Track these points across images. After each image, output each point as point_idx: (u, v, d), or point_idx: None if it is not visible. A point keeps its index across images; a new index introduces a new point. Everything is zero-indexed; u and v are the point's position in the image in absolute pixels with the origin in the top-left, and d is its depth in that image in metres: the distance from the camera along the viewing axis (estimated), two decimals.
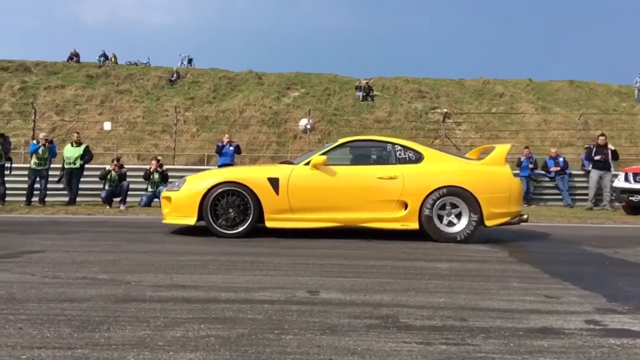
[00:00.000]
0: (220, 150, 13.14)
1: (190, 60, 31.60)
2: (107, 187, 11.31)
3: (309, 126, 16.56)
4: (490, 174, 6.27)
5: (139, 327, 2.45)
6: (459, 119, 23.01)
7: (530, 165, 13.34)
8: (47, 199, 11.30)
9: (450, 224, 6.05)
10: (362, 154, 6.74)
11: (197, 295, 3.10)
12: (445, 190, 6.05)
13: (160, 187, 11.40)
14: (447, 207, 6.05)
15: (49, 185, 11.42)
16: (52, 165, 11.69)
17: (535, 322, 2.71)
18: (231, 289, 3.30)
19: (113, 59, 30.37)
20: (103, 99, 24.72)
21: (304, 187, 6.22)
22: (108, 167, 11.81)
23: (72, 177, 11.67)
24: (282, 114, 22.94)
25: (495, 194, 6.11)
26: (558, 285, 3.65)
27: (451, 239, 5.96)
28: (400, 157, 6.40)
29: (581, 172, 13.76)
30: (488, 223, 6.04)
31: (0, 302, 2.84)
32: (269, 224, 6.19)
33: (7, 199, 10.95)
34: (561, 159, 13.59)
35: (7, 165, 11.22)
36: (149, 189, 11.90)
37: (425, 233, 6.02)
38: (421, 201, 6.05)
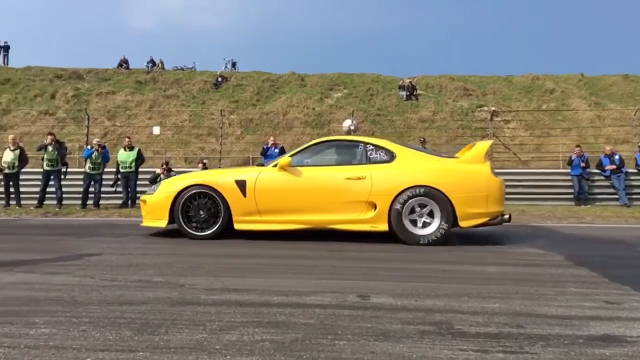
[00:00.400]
0: (265, 152, 13.31)
1: (234, 64, 32.14)
2: None
3: (352, 127, 16.46)
4: (465, 173, 5.99)
5: (196, 331, 2.51)
6: (507, 116, 22.47)
7: (582, 164, 12.89)
8: (100, 202, 11.72)
9: (423, 225, 5.82)
10: (333, 155, 6.54)
11: (250, 299, 3.14)
12: (415, 190, 5.83)
13: None
14: (418, 209, 5.83)
15: (102, 189, 11.86)
16: (105, 169, 12.12)
17: (596, 330, 2.62)
18: (282, 292, 3.33)
19: (160, 64, 31.20)
20: (151, 104, 25.43)
21: (271, 189, 6.17)
22: (158, 170, 12.15)
23: (128, 180, 12.08)
24: (325, 115, 23.01)
25: (470, 194, 5.83)
26: (618, 291, 3.51)
27: (422, 241, 5.73)
28: (371, 156, 6.22)
29: (635, 171, 13.20)
30: (463, 224, 5.80)
31: (64, 305, 2.96)
32: (237, 226, 6.21)
33: (63, 202, 11.43)
34: (617, 157, 13.07)
35: (63, 170, 11.70)
36: None
37: (395, 235, 5.81)
38: (390, 202, 5.85)
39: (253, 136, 21.23)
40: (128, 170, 12.08)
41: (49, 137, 11.98)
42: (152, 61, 31.08)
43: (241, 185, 6.23)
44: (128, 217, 9.52)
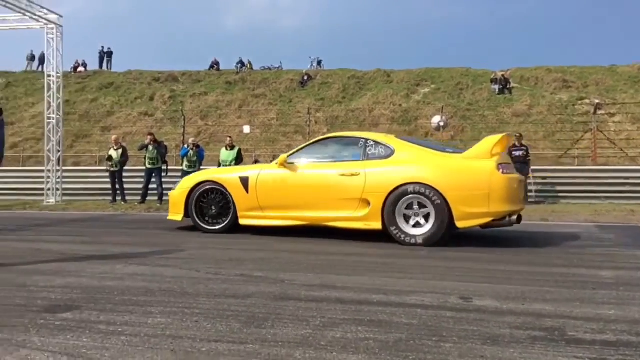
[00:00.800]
0: None
1: (319, 62, 32.45)
2: None
3: (442, 123, 16.13)
4: (465, 169, 5.54)
5: (300, 326, 2.55)
6: (612, 109, 20.96)
7: None
8: None
9: (417, 225, 5.49)
10: (334, 151, 6.36)
11: (349, 297, 3.16)
12: (408, 187, 5.50)
13: None
14: (415, 207, 5.51)
15: None
16: (201, 168, 12.71)
17: None
18: (381, 291, 3.31)
19: (249, 65, 32.19)
20: (241, 104, 26.30)
21: (271, 185, 6.24)
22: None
23: None
24: (412, 111, 22.67)
25: (468, 192, 5.38)
26: None
27: (415, 242, 5.43)
28: (369, 152, 5.97)
29: None
30: (460, 224, 5.36)
31: (175, 296, 3.13)
32: (241, 221, 6.38)
33: (163, 198, 12.13)
34: None
35: (164, 167, 12.42)
36: None
37: (388, 234, 5.56)
38: (383, 199, 5.59)
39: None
40: None
41: (149, 137, 12.75)
42: (241, 62, 32.14)
43: (244, 181, 6.39)
44: None
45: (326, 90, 26.65)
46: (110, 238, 6.16)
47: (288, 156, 6.31)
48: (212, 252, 4.94)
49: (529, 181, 13.24)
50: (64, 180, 14.52)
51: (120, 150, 13.03)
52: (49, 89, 14.49)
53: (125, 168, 13.22)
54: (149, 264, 4.30)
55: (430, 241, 5.37)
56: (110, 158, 12.92)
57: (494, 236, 6.17)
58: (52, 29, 14.31)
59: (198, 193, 6.65)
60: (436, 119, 16.75)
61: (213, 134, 23.40)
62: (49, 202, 13.65)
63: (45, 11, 14.17)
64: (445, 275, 3.91)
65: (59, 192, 14.14)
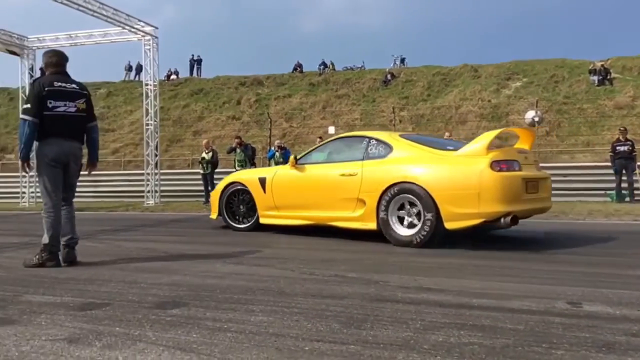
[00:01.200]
0: None
1: (402, 60, 32.09)
2: None
3: (537, 118, 15.35)
4: (455, 167, 5.25)
5: (400, 328, 2.52)
6: None
7: None
8: None
9: (410, 225, 5.33)
10: (340, 151, 6.39)
11: (448, 300, 3.08)
12: (399, 187, 5.36)
13: None
14: (407, 206, 5.34)
15: None
16: None
17: None
18: (482, 295, 3.20)
19: (331, 66, 32.45)
20: (324, 105, 26.57)
21: (283, 185, 6.49)
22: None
23: None
24: (503, 106, 21.79)
25: (457, 191, 5.09)
26: None
27: (406, 243, 5.25)
28: (370, 152, 5.90)
29: None
30: (448, 225, 5.07)
31: (274, 295, 3.20)
32: (262, 220, 6.73)
33: None
34: None
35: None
36: None
37: (382, 234, 5.43)
38: (377, 199, 5.49)
39: (425, 132, 20.98)
40: None
41: (235, 141, 13.21)
42: (323, 63, 32.48)
43: (262, 182, 6.72)
44: None
45: (410, 88, 26.30)
46: (206, 238, 6.44)
47: (299, 157, 6.53)
48: (302, 253, 5.02)
49: (635, 178, 12.31)
50: (161, 182, 15.40)
51: (210, 154, 13.61)
52: (147, 96, 15.41)
53: (217, 170, 13.78)
54: (245, 263, 4.44)
55: (420, 243, 5.19)
56: (203, 161, 13.53)
57: (590, 237, 5.78)
58: (149, 40, 15.21)
59: (228, 193, 7.12)
60: (530, 114, 15.96)
61: (298, 136, 23.84)
62: (148, 204, 14.53)
63: (142, 24, 15.10)
64: (548, 279, 3.71)
65: (157, 194, 15.01)
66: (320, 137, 13.75)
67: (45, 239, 4.23)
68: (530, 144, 6.11)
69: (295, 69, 32.58)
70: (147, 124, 15.40)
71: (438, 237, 5.19)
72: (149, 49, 15.26)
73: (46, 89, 4.23)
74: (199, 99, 29.20)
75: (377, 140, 5.96)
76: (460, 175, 5.19)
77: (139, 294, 3.23)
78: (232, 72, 32.91)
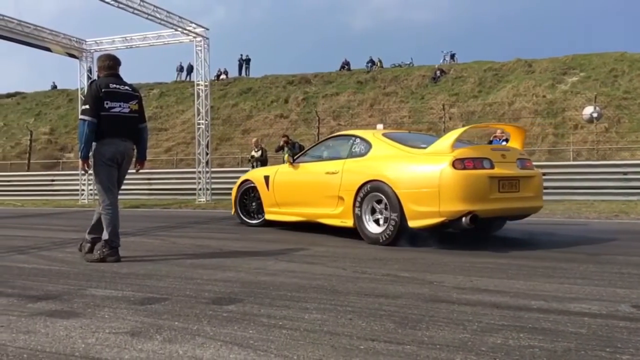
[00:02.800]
0: (490, 144, 12.69)
1: (452, 56, 31.55)
2: None
3: (595, 114, 14.73)
4: (418, 165, 5.25)
5: (457, 330, 2.48)
6: None
7: None
8: None
9: (380, 223, 5.39)
10: (330, 150, 6.58)
11: (505, 302, 3.00)
12: (371, 185, 5.44)
13: None
14: (380, 205, 5.39)
15: None
16: None
17: None
18: (540, 297, 3.10)
19: (379, 63, 32.24)
20: (372, 102, 26.45)
21: (282, 183, 6.78)
22: None
23: None
24: (559, 102, 21.06)
25: (419, 189, 5.07)
26: None
27: (375, 240, 5.33)
28: (353, 150, 6.03)
29: None
30: (412, 224, 5.06)
31: (326, 293, 3.21)
32: (266, 216, 7.07)
33: None
34: None
35: None
36: None
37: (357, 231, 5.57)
38: (353, 197, 5.60)
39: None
40: None
41: (282, 139, 13.33)
42: (371, 61, 32.31)
43: (266, 180, 7.02)
44: None
45: (460, 84, 25.80)
46: (257, 235, 6.51)
47: (295, 156, 6.91)
48: (353, 251, 5.00)
49: None
50: (211, 180, 15.72)
51: (260, 152, 13.79)
52: (198, 96, 15.76)
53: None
54: (296, 260, 4.47)
55: (386, 241, 5.23)
56: (252, 159, 13.73)
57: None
58: (200, 41, 15.54)
59: (241, 191, 7.50)
60: (588, 110, 15.33)
61: None
62: (200, 201, 14.86)
63: (194, 25, 15.44)
64: (610, 281, 3.56)
65: (208, 192, 15.33)
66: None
67: (105, 235, 4.39)
68: (521, 142, 5.99)
69: (342, 67, 32.57)
70: (199, 123, 15.75)
71: (403, 236, 5.20)
72: (200, 50, 15.60)
73: (103, 90, 4.40)
74: (248, 98, 29.64)
75: (360, 139, 6.08)
76: (422, 173, 5.17)
77: (195, 289, 3.31)
78: (280, 71, 33.24)
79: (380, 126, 18.32)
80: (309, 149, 7.05)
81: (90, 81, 4.59)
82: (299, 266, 4.20)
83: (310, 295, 3.16)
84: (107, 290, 3.30)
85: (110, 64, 4.61)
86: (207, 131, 15.83)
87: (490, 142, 12.60)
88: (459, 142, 5.31)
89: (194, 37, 15.53)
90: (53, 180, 19.04)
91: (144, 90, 32.87)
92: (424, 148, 5.47)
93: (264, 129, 25.58)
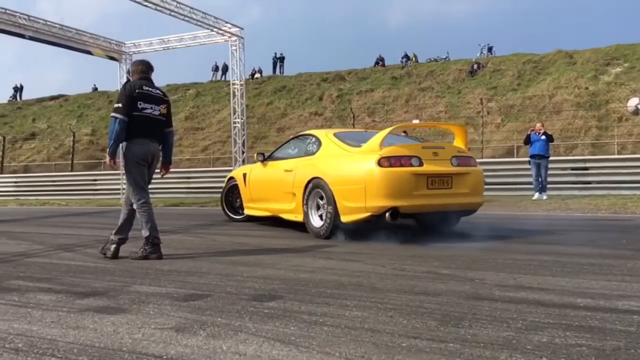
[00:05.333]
0: (528, 140, 12.39)
1: (490, 49, 30.95)
2: None
3: None
4: (349, 164, 5.61)
5: (500, 328, 2.43)
6: None
7: None
8: None
9: (322, 217, 5.73)
10: (293, 149, 6.95)
11: (550, 299, 2.93)
12: (314, 182, 5.79)
13: None
14: (322, 200, 5.71)
15: None
16: None
17: None
18: (586, 294, 3.02)
19: (414, 58, 31.90)
20: (407, 98, 26.20)
21: (254, 181, 7.25)
22: None
23: None
24: (602, 94, 20.39)
25: (348, 186, 5.40)
26: None
27: (318, 234, 5.70)
28: (308, 149, 6.38)
29: None
30: (343, 219, 5.41)
31: (366, 290, 3.20)
32: (245, 211, 7.60)
33: None
34: None
35: None
36: None
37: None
38: (302, 193, 5.93)
39: (515, 123, 20.10)
40: None
41: None
42: (406, 56, 32.01)
43: (244, 177, 7.50)
44: None
45: (499, 77, 25.28)
46: (294, 232, 6.54)
47: (266, 155, 7.34)
48: (392, 248, 4.98)
49: None
50: None
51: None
52: (234, 95, 15.95)
53: None
54: (335, 258, 4.48)
55: (324, 234, 5.60)
56: None
57: None
58: (235, 41, 15.71)
59: (227, 188, 8.06)
60: (633, 102, 14.79)
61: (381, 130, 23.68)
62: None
63: (229, 25, 15.62)
64: None
65: None
66: (404, 132, 13.54)
67: (145, 232, 4.48)
68: (464, 141, 6.12)
69: (377, 63, 32.38)
70: (235, 122, 15.95)
71: (338, 230, 5.53)
72: (235, 50, 15.77)
73: (137, 91, 4.53)
74: (282, 96, 29.81)
75: (315, 138, 6.44)
76: (352, 170, 5.50)
77: (236, 286, 3.35)
78: (314, 68, 33.21)
79: (415, 122, 18.17)
80: (277, 149, 7.46)
81: (124, 82, 4.69)
82: (337, 263, 4.20)
83: (349, 292, 3.15)
84: (151, 286, 3.37)
85: (143, 68, 4.75)
86: (243, 130, 16.01)
87: (529, 136, 12.30)
88: (409, 138, 5.86)
89: (229, 37, 15.72)
90: (95, 180, 19.62)
91: (181, 91, 33.50)
92: (360, 147, 5.73)
93: (298, 127, 25.67)
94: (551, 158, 12.54)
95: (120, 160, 4.68)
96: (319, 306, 2.82)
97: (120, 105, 4.48)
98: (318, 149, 6.19)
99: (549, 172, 12.08)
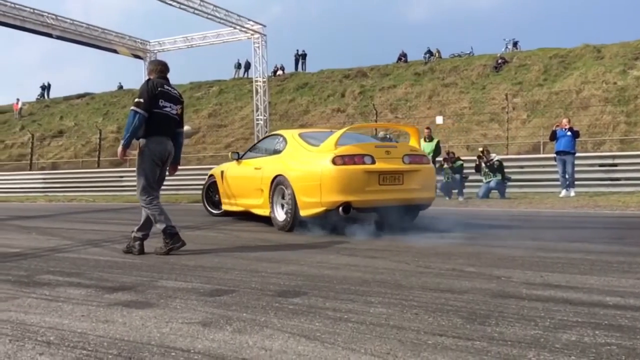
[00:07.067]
0: (554, 136, 12.16)
1: (515, 43, 30.43)
2: (443, 180, 11.88)
3: None
4: (307, 162, 6.01)
5: (528, 326, 2.40)
6: None
7: None
8: None
9: (285, 212, 6.13)
10: (263, 148, 7.44)
11: (579, 297, 2.89)
12: (277, 179, 6.22)
13: (493, 179, 11.34)
14: (285, 196, 6.09)
15: None
16: None
17: None
18: (615, 293, 2.96)
19: (437, 54, 31.56)
20: (430, 94, 25.96)
21: (229, 178, 7.71)
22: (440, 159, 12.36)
23: None
24: (631, 89, 19.91)
25: (306, 182, 5.82)
26: None
27: (282, 227, 6.14)
28: (276, 148, 6.82)
29: None
30: (302, 213, 5.85)
31: (391, 288, 3.19)
32: (223, 206, 8.06)
33: None
34: None
35: None
36: (484, 180, 11.96)
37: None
38: (269, 189, 6.38)
39: (541, 119, 19.76)
40: None
41: None
42: (429, 52, 31.70)
43: (222, 175, 7.96)
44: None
45: (524, 72, 24.88)
46: (317, 230, 6.55)
47: (241, 154, 7.76)
48: (416, 245, 4.94)
49: None
50: None
51: None
52: (256, 93, 16.03)
53: None
54: (358, 254, 4.48)
55: (286, 227, 6.05)
56: None
57: None
58: (258, 38, 15.79)
59: (207, 185, 8.52)
60: None
61: None
62: None
63: (252, 23, 15.70)
64: None
65: None
66: (428, 128, 13.45)
67: (161, 226, 4.50)
68: (417, 140, 6.62)
69: (399, 59, 32.14)
70: (257, 119, 16.04)
71: (298, 223, 5.98)
72: (258, 47, 15.85)
73: (159, 89, 4.61)
74: (304, 93, 29.81)
75: (282, 138, 6.87)
76: (309, 168, 5.90)
77: (260, 282, 3.38)
78: (336, 65, 33.13)
79: (439, 119, 17.99)
80: (250, 148, 7.96)
81: (146, 79, 4.76)
82: (361, 260, 4.20)
83: (374, 289, 3.15)
84: (178, 282, 3.42)
85: (162, 68, 4.83)
86: (266, 127, 16.08)
87: (554, 132, 12.05)
88: (373, 137, 6.52)
89: (252, 35, 15.80)
90: (121, 177, 19.90)
91: (204, 88, 33.77)
92: (318, 146, 6.12)
93: (321, 124, 25.66)
94: (579, 154, 12.31)
95: (130, 153, 4.70)
96: (343, 303, 2.83)
97: (142, 100, 4.54)
98: (284, 148, 6.65)
99: (576, 168, 11.86)
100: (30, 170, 24.32)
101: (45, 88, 41.31)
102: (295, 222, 5.96)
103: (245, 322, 2.48)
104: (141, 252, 4.59)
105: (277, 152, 6.78)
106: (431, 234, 5.64)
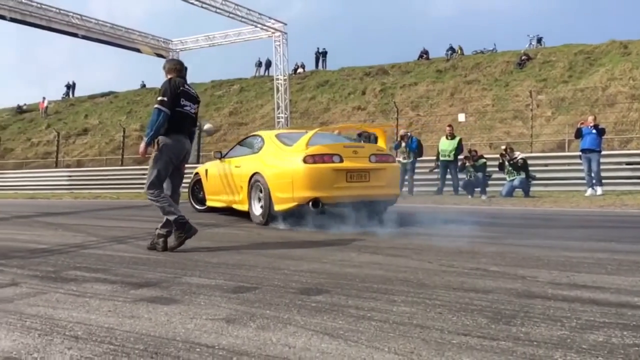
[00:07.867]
0: (579, 134, 11.95)
1: (539, 40, 30.02)
2: (466, 178, 11.76)
3: None
4: (282, 160, 6.43)
5: (554, 327, 2.37)
6: None
7: None
8: (414, 189, 12.41)
9: (262, 207, 6.60)
10: (245, 148, 7.84)
11: (606, 298, 2.84)
12: (254, 177, 6.71)
13: (517, 177, 11.20)
14: (261, 192, 6.55)
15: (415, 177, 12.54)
16: (421, 158, 12.76)
17: None
18: None
19: (459, 50, 31.26)
20: (452, 91, 25.72)
21: (212, 176, 8.24)
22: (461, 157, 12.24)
23: (447, 168, 12.50)
24: None
25: (280, 179, 6.28)
26: None
27: (258, 221, 6.64)
28: (256, 148, 7.29)
29: None
30: (276, 207, 6.31)
31: (413, 286, 3.18)
32: (207, 202, 8.54)
33: None
34: None
35: None
36: (508, 179, 11.81)
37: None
38: (247, 186, 6.86)
39: (566, 117, 19.44)
40: (447, 159, 12.44)
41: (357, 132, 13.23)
42: (451, 48, 31.43)
43: (205, 172, 8.54)
44: (441, 204, 9.82)
45: (549, 69, 24.49)
46: (339, 229, 6.55)
47: (223, 153, 8.23)
48: (440, 244, 4.90)
49: None
50: None
51: None
52: (277, 90, 16.08)
53: None
54: (380, 253, 4.46)
55: (262, 222, 6.54)
56: None
57: None
58: (279, 36, 15.84)
59: (193, 182, 9.04)
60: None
61: (425, 124, 23.39)
62: None
63: (273, 21, 15.76)
64: None
65: None
66: (449, 126, 13.34)
67: (172, 217, 4.54)
68: (384, 140, 7.18)
69: (421, 56, 31.94)
70: (278, 117, 16.10)
71: (270, 217, 6.46)
72: (279, 45, 15.91)
73: (180, 88, 4.69)
74: (325, 91, 29.81)
75: (261, 138, 7.33)
76: (283, 166, 6.37)
77: (283, 279, 3.39)
78: (357, 62, 33.08)
79: (461, 116, 17.83)
80: (232, 148, 8.35)
81: (167, 78, 4.81)
82: (383, 258, 4.18)
83: (396, 287, 3.14)
84: (201, 278, 3.45)
85: (180, 67, 4.92)
86: (287, 124, 16.12)
87: (579, 130, 11.83)
88: (345, 137, 7.26)
89: (273, 33, 15.86)
90: (145, 174, 20.17)
91: (225, 87, 34.00)
92: (291, 146, 6.55)
93: (341, 121, 25.62)
94: (605, 152, 12.08)
95: (152, 151, 4.75)
96: (366, 301, 2.82)
97: (165, 98, 4.59)
98: (261, 147, 7.12)
99: (603, 166, 11.64)
100: (56, 167, 24.81)
101: (70, 87, 42.07)
102: (270, 216, 6.44)
103: (269, 319, 2.49)
104: (165, 248, 4.64)
105: (255, 151, 7.28)
106: (453, 233, 5.59)
